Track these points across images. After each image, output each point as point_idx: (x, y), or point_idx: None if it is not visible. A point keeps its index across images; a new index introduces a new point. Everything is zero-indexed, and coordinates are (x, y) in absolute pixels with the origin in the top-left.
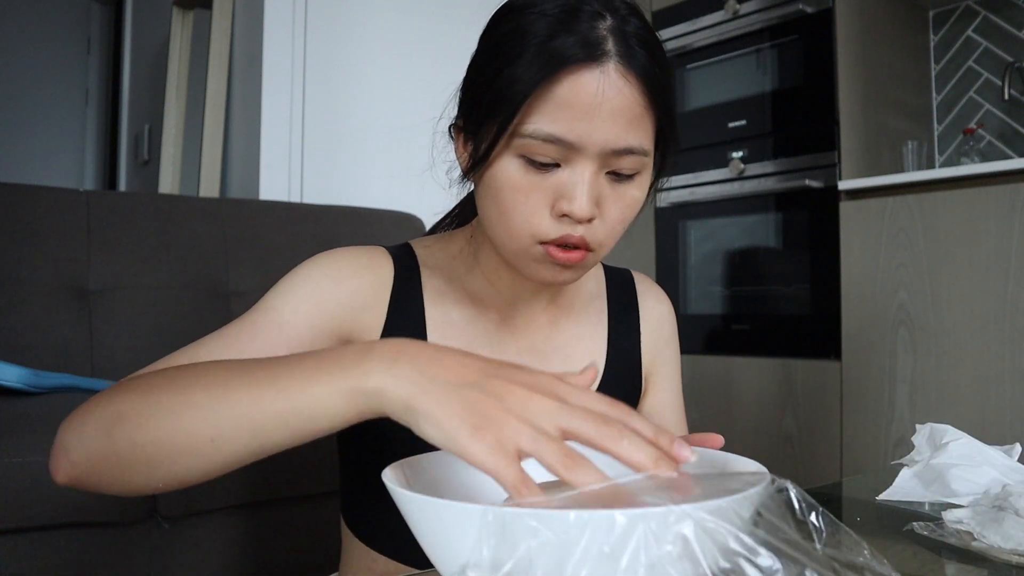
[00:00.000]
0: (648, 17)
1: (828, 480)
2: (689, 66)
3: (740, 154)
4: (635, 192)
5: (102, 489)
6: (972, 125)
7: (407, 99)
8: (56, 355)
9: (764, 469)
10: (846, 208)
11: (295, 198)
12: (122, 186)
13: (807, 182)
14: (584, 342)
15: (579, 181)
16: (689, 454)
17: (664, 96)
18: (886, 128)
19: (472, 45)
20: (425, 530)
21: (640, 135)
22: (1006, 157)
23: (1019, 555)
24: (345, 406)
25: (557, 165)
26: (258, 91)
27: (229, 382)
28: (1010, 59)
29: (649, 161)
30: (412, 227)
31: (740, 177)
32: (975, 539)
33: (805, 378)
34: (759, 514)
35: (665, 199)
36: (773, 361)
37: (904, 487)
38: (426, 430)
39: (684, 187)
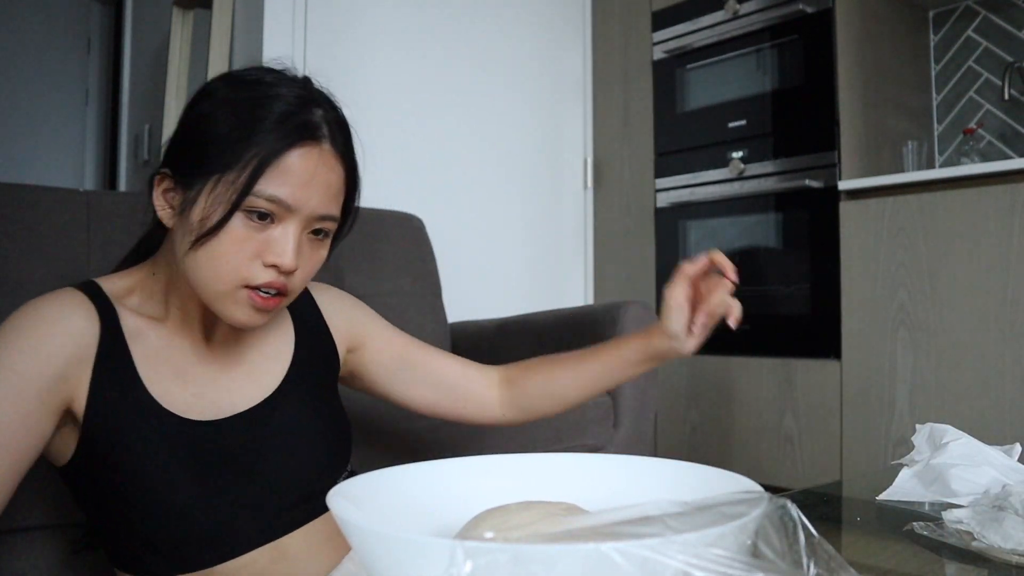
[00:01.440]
0: (648, 17)
1: (828, 480)
2: (689, 66)
3: (740, 154)
4: (323, 251)
5: None
6: (972, 125)
7: (407, 99)
8: None
9: (760, 488)
10: (846, 208)
11: None
12: (122, 186)
13: (807, 182)
14: (272, 340)
15: (289, 238)
16: None
17: (354, 175)
18: (886, 128)
19: (472, 45)
20: (385, 566)
21: (337, 205)
22: (1006, 157)
23: (1019, 555)
24: None
25: (271, 222)
26: None
27: None
28: (1010, 59)
29: (335, 226)
30: (412, 227)
31: (740, 177)
32: (975, 539)
33: (805, 378)
34: (755, 539)
35: (665, 199)
36: (773, 361)
37: (904, 487)
38: None
39: (684, 187)
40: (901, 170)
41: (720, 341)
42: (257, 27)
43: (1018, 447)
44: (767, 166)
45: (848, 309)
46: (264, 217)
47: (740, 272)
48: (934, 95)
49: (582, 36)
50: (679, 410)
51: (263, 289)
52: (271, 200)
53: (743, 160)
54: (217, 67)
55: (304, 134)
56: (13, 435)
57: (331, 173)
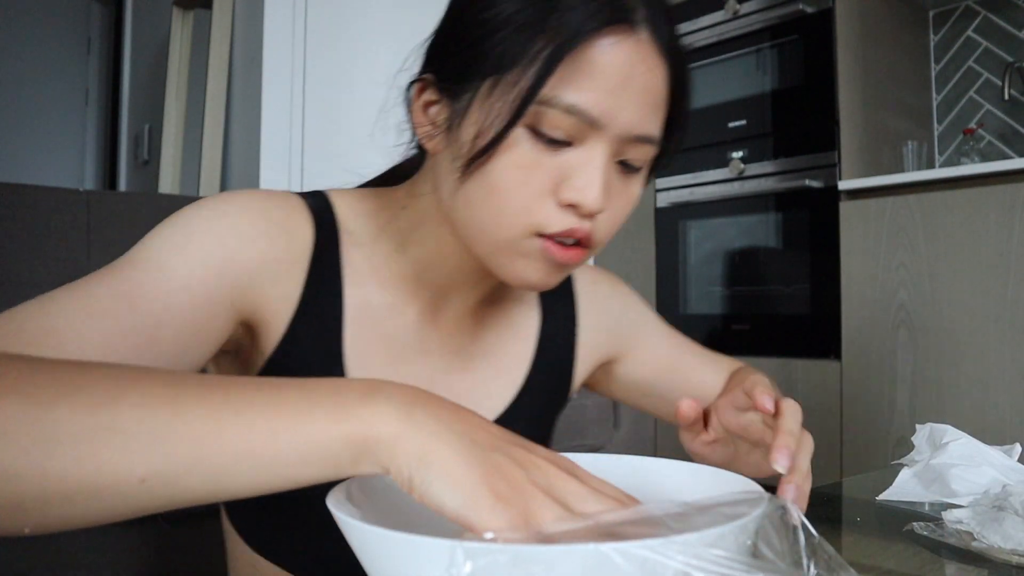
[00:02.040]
0: None
1: (828, 480)
2: (689, 66)
3: (740, 154)
4: (636, 188)
5: None
6: (972, 125)
7: None
8: None
9: (759, 488)
10: (846, 208)
11: None
12: (122, 186)
13: (807, 182)
14: (511, 345)
15: (593, 166)
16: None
17: (684, 84)
18: (886, 128)
19: None
20: (385, 566)
21: (658, 123)
22: (1006, 157)
23: (1019, 555)
24: (343, 454)
25: (568, 144)
26: (258, 91)
27: (177, 402)
28: (1010, 59)
29: (653, 155)
30: None
31: (740, 177)
32: (975, 539)
33: (805, 378)
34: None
35: (665, 199)
36: (773, 361)
37: (904, 487)
38: (437, 490)
39: (684, 187)
40: (901, 170)
41: (720, 341)
42: (257, 27)
43: (1018, 447)
44: (767, 166)
45: (848, 309)
46: (555, 143)
47: (740, 272)
48: (934, 95)
49: None
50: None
51: (559, 238)
52: (569, 111)
53: (743, 160)
54: (217, 67)
55: (615, 15)
56: (192, 307)
57: (651, 75)
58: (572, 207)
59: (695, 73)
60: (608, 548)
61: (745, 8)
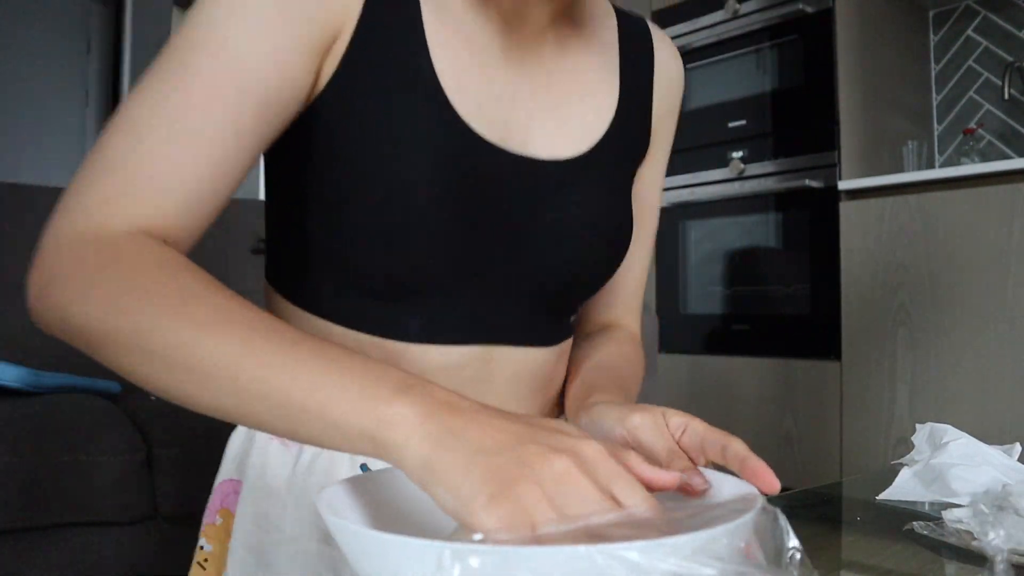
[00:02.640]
0: (648, 17)
1: (828, 480)
2: (689, 66)
3: (740, 154)
4: None
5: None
6: (972, 125)
7: None
8: (56, 355)
9: (755, 490)
10: (846, 208)
11: None
12: None
13: (807, 182)
14: (595, 72)
15: None
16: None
17: None
18: (886, 128)
19: None
20: (374, 567)
21: None
22: (1006, 157)
23: (1019, 555)
24: (361, 444)
25: None
26: None
27: (241, 353)
28: (1010, 59)
29: None
30: None
31: (740, 177)
32: (975, 539)
33: (805, 378)
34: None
35: (665, 199)
36: (773, 361)
37: (904, 487)
38: (439, 496)
39: (684, 187)
40: (901, 170)
41: (720, 341)
42: None
43: (1018, 447)
44: (767, 166)
45: (848, 309)
46: None
47: (740, 272)
48: (934, 95)
49: None
50: (679, 410)
51: None
52: None
53: (743, 160)
54: None
55: None
56: (263, 76)
57: None
58: None
59: (695, 73)
60: (596, 551)
61: (745, 8)
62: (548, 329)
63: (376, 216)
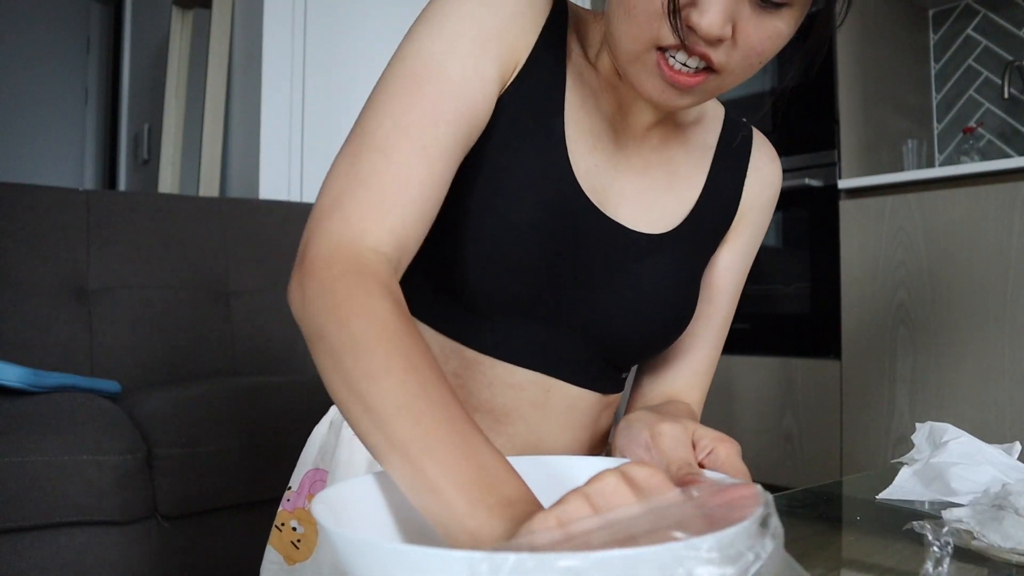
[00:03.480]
0: None
1: (828, 480)
2: None
3: None
4: (780, 25)
5: None
6: (972, 124)
7: None
8: (56, 355)
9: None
10: (846, 207)
11: (295, 197)
12: (122, 186)
13: (807, 181)
14: (686, 168)
15: None
16: None
17: None
18: (886, 127)
19: None
20: None
21: None
22: (1006, 156)
23: (1019, 554)
24: (446, 518)
25: None
26: (258, 91)
27: (395, 412)
28: (1010, 58)
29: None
30: None
31: None
32: (975, 539)
33: (805, 378)
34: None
35: None
36: (773, 361)
37: (904, 486)
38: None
39: None
40: (901, 169)
41: None
42: (257, 27)
43: (1018, 446)
44: None
45: (848, 308)
46: None
47: None
48: (934, 94)
49: None
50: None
51: (675, 55)
52: None
53: None
54: (217, 67)
55: None
56: (472, 102)
57: None
58: (691, 30)
59: None
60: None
61: None
62: (601, 377)
63: (483, 241)
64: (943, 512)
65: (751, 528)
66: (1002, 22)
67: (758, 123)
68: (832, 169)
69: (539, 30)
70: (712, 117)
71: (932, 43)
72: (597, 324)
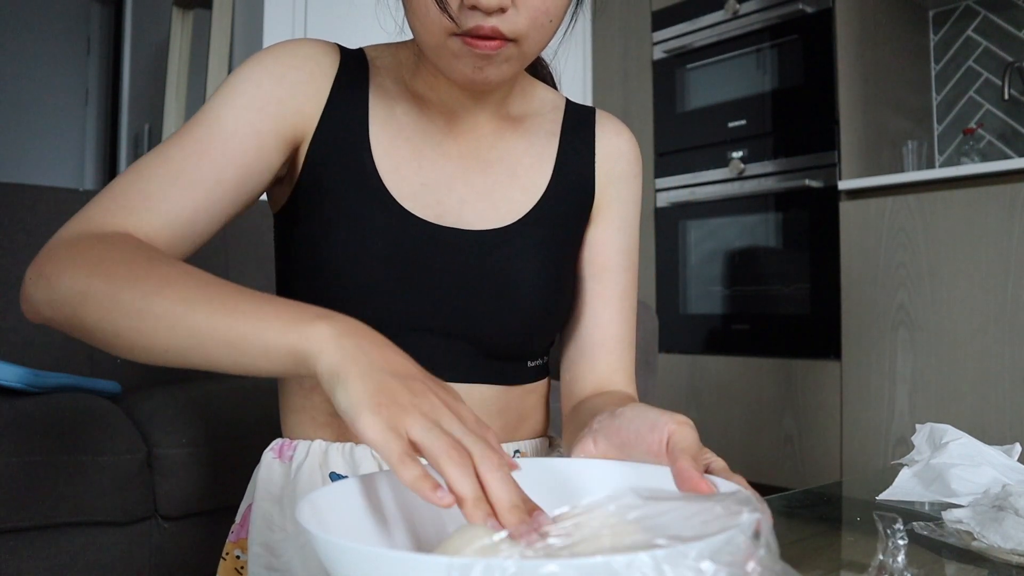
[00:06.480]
0: (648, 17)
1: (828, 480)
2: (689, 66)
3: (740, 154)
4: None
5: (71, 335)
6: (972, 125)
7: None
8: (56, 355)
9: (747, 491)
10: (846, 208)
11: None
12: None
13: (807, 182)
14: (529, 157)
15: None
16: (536, 537)
17: None
18: (886, 128)
19: None
20: None
21: None
22: (1006, 157)
23: (1019, 555)
24: (287, 359)
25: None
26: None
27: (192, 302)
28: (1010, 59)
29: None
30: None
31: (740, 177)
32: (975, 539)
33: (805, 378)
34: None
35: (665, 199)
36: (773, 361)
37: (904, 487)
38: (338, 397)
39: (684, 187)
40: (901, 170)
41: (720, 341)
42: (257, 27)
43: (1018, 447)
44: (767, 166)
45: (848, 309)
46: None
47: (740, 272)
48: (934, 95)
49: (582, 35)
50: (679, 410)
51: (472, 34)
52: None
53: (743, 160)
54: (217, 67)
55: None
56: (243, 148)
57: None
58: (475, 9)
59: (695, 73)
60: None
61: (745, 8)
62: (506, 370)
63: (340, 282)
64: (943, 513)
65: (740, 536)
66: (1002, 23)
67: (758, 123)
68: (832, 170)
69: (328, 88)
70: (552, 108)
71: (932, 44)
72: (471, 324)
